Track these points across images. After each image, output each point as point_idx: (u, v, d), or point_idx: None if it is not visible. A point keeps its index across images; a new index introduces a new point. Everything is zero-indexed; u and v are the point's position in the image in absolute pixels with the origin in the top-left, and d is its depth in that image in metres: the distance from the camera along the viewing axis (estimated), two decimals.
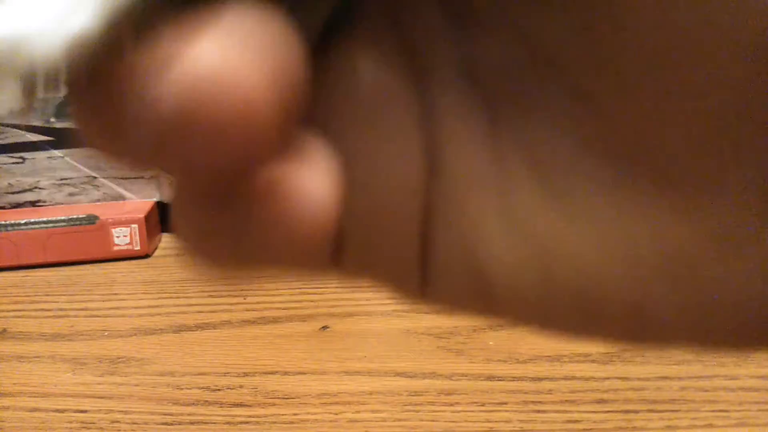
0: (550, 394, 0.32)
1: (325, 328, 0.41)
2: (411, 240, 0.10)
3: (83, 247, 0.54)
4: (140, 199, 0.60)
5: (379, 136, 0.10)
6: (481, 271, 0.10)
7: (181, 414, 0.32)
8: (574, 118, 0.09)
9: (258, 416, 0.32)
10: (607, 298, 0.10)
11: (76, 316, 0.44)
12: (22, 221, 0.53)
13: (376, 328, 0.41)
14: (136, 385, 0.35)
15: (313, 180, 0.09)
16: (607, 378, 0.34)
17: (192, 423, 0.31)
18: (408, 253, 0.10)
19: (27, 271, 0.53)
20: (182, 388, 0.34)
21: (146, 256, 0.55)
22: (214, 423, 0.31)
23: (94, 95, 0.09)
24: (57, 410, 0.33)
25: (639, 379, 0.33)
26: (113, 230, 0.54)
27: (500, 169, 0.10)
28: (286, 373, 0.35)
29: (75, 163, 0.59)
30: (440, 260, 0.10)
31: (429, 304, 0.11)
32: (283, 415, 0.32)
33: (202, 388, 0.34)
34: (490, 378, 0.34)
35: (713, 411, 0.30)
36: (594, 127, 0.09)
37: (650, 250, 0.09)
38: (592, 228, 0.09)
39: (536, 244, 0.10)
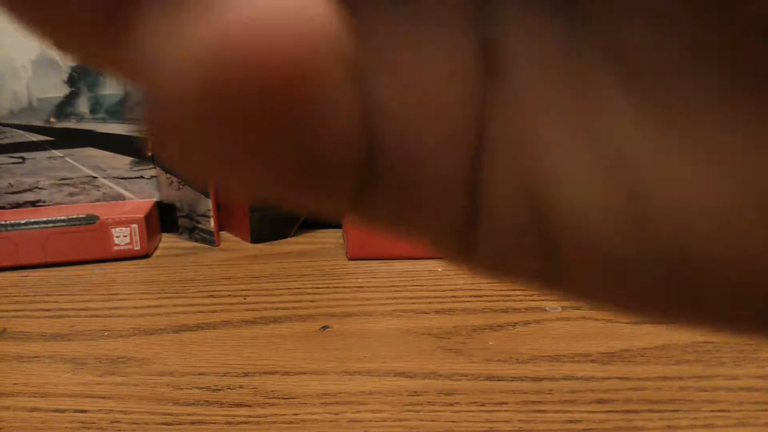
0: (550, 394, 0.32)
1: (325, 328, 0.41)
2: (458, 168, 0.08)
3: (83, 247, 0.54)
4: (140, 199, 0.60)
5: (419, 26, 0.07)
6: (547, 216, 0.08)
7: (181, 414, 0.32)
8: (682, 15, 0.07)
9: (258, 416, 0.32)
10: (720, 261, 0.07)
11: (76, 316, 0.44)
12: (22, 221, 0.53)
13: (376, 328, 0.41)
14: (136, 385, 0.35)
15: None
16: (607, 378, 0.34)
17: (192, 423, 0.31)
18: (453, 186, 0.08)
19: (27, 271, 0.53)
20: (182, 388, 0.34)
21: (146, 256, 0.55)
22: (214, 423, 0.31)
23: None
24: (57, 410, 0.33)
25: (639, 379, 0.33)
26: (113, 230, 0.54)
27: (580, 75, 0.07)
28: (286, 373, 0.35)
29: (75, 163, 0.59)
30: (495, 201, 0.08)
31: (474, 265, 0.09)
32: (283, 415, 0.32)
33: (202, 388, 0.34)
34: (490, 378, 0.34)
35: (713, 411, 0.30)
36: (708, 25, 0.07)
37: None
38: (703, 156, 0.07)
39: (624, 178, 0.07)
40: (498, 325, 0.40)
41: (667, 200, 0.07)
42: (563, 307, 0.42)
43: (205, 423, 0.31)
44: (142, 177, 0.60)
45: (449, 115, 0.08)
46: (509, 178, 0.08)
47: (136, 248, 0.55)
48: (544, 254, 0.08)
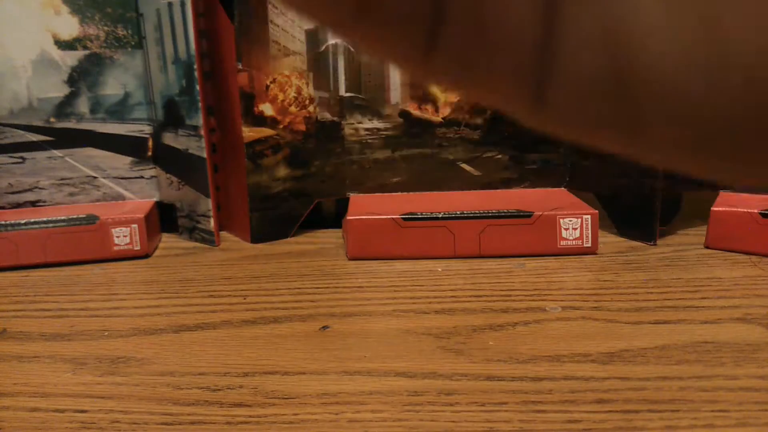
0: (550, 394, 0.32)
1: (325, 328, 0.41)
2: (531, 11, 0.07)
3: (83, 247, 0.54)
4: (140, 199, 0.60)
5: None
6: (625, 58, 0.07)
7: (181, 414, 0.32)
8: None
9: (258, 416, 0.32)
10: None
11: (76, 316, 0.44)
12: (22, 221, 0.53)
13: (376, 328, 0.41)
14: (136, 385, 0.35)
15: None
16: (607, 378, 0.34)
17: (192, 423, 0.31)
18: (527, 30, 0.08)
19: (27, 271, 0.53)
20: (182, 388, 0.34)
21: (146, 256, 0.55)
22: (214, 423, 0.31)
23: None
24: (57, 410, 0.33)
25: (639, 379, 0.33)
26: (113, 230, 0.54)
27: None
28: (286, 373, 0.35)
29: (75, 163, 0.59)
30: (572, 43, 0.08)
31: (545, 114, 0.08)
32: (283, 415, 0.32)
33: (202, 388, 0.34)
34: (490, 378, 0.34)
35: (713, 411, 0.30)
36: None
37: None
38: None
39: (707, 19, 0.07)
40: (498, 325, 0.40)
41: (747, 46, 0.07)
42: (563, 307, 0.42)
43: (205, 423, 0.31)
44: (142, 177, 0.60)
45: None
46: (589, 18, 0.07)
47: (136, 248, 0.55)
48: (620, 101, 0.07)
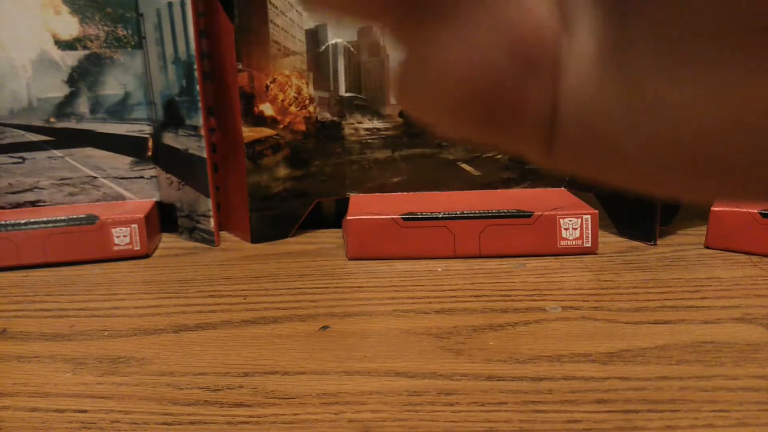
0: (550, 394, 0.32)
1: (325, 328, 0.41)
2: (545, 93, 0.11)
3: (83, 247, 0.54)
4: (140, 199, 0.60)
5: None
6: (598, 130, 0.11)
7: (181, 414, 0.32)
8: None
9: (258, 416, 0.32)
10: (707, 155, 0.10)
11: (76, 316, 0.44)
12: (22, 221, 0.53)
13: (376, 328, 0.41)
14: (136, 385, 0.35)
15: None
16: (607, 378, 0.34)
17: (192, 423, 0.31)
18: (542, 108, 0.11)
19: (27, 271, 0.53)
20: (182, 388, 0.34)
21: (146, 256, 0.55)
22: (214, 423, 0.31)
23: None
24: (57, 410, 0.33)
25: (639, 379, 0.33)
26: (113, 230, 0.54)
27: (623, 33, 0.10)
28: (286, 373, 0.35)
29: (75, 163, 0.59)
30: (565, 117, 0.11)
31: (553, 165, 0.12)
32: (283, 415, 0.32)
33: (202, 388, 0.34)
34: (490, 378, 0.34)
35: (713, 411, 0.30)
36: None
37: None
38: (705, 92, 0.10)
39: (653, 106, 0.10)
40: (498, 325, 0.40)
41: (677, 118, 0.10)
42: (563, 307, 0.42)
43: (205, 423, 0.31)
44: (142, 177, 0.60)
45: (539, 54, 0.11)
46: (574, 110, 0.11)
47: (136, 248, 0.55)
48: (596, 153, 0.11)
